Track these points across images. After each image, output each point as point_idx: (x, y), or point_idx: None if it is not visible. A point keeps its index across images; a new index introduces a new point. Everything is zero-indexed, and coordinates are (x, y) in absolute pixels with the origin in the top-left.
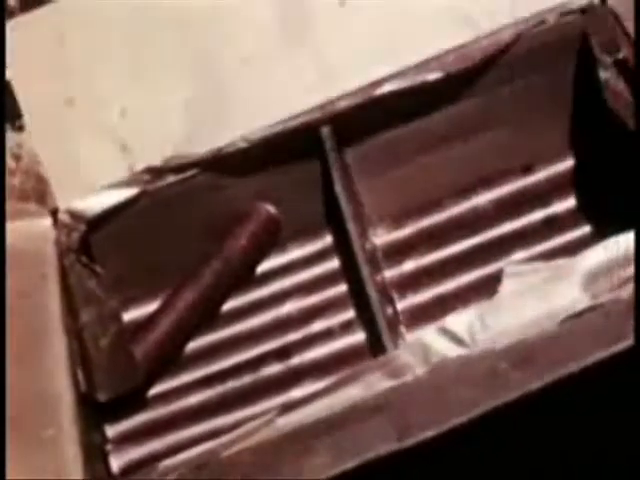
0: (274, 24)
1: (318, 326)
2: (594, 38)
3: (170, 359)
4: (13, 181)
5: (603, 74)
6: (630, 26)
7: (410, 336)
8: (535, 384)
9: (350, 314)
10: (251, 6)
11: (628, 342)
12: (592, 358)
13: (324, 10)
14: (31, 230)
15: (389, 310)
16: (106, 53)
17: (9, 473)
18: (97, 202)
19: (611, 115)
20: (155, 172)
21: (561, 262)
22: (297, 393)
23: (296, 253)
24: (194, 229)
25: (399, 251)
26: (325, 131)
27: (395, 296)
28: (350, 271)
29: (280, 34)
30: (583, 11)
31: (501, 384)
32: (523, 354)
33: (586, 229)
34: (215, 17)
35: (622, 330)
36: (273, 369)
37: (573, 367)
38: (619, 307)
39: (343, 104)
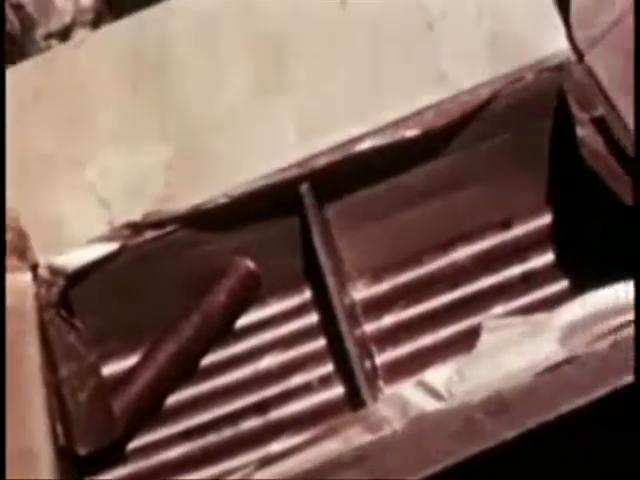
0: (253, 82)
1: (297, 380)
2: (571, 95)
3: (149, 413)
4: None
5: (580, 131)
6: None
7: (389, 390)
8: (510, 433)
9: (329, 368)
10: (229, 63)
11: (628, 379)
12: (567, 407)
13: (303, 68)
14: (11, 285)
15: (368, 364)
16: (86, 110)
17: None
18: (77, 257)
19: (588, 172)
20: (135, 227)
21: (539, 317)
22: (276, 447)
23: (275, 308)
24: (174, 284)
25: (378, 306)
26: (304, 187)
27: (374, 350)
28: (329, 326)
29: (259, 92)
30: (560, 68)
31: (477, 434)
32: (499, 405)
33: (564, 284)
34: (194, 76)
35: (598, 380)
36: (252, 423)
37: (548, 416)
38: (595, 359)
39: (322, 161)
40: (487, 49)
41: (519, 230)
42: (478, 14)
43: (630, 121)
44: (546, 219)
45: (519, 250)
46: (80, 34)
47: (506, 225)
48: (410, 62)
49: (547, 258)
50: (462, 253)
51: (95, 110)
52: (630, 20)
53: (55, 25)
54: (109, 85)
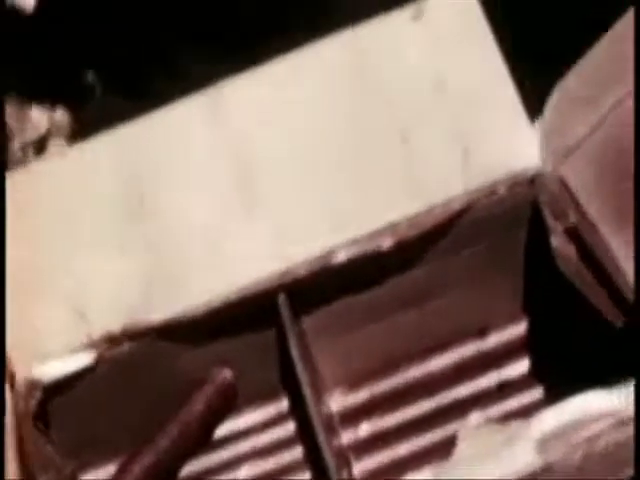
0: (228, 192)
1: None
2: (544, 206)
3: None
4: None
5: (554, 241)
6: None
7: None
8: None
9: (306, 478)
10: (205, 174)
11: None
12: None
13: (278, 181)
14: None
15: (345, 474)
16: (61, 219)
17: None
18: (54, 369)
19: (563, 281)
20: (112, 339)
21: (515, 425)
22: None
23: (252, 417)
24: (151, 395)
25: (355, 415)
26: (281, 298)
27: (352, 460)
28: (306, 435)
29: (234, 202)
30: (533, 181)
31: None
32: None
33: (540, 392)
34: (169, 186)
35: None
36: None
37: None
38: (569, 469)
39: (299, 272)
40: (460, 162)
41: (495, 338)
42: (451, 127)
43: (603, 229)
44: (521, 327)
45: (495, 358)
46: (56, 145)
47: (482, 333)
48: (383, 175)
49: (523, 366)
50: (438, 362)
51: (72, 221)
52: (603, 130)
53: (31, 136)
54: (85, 198)
